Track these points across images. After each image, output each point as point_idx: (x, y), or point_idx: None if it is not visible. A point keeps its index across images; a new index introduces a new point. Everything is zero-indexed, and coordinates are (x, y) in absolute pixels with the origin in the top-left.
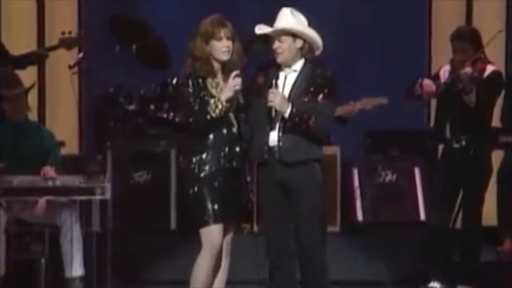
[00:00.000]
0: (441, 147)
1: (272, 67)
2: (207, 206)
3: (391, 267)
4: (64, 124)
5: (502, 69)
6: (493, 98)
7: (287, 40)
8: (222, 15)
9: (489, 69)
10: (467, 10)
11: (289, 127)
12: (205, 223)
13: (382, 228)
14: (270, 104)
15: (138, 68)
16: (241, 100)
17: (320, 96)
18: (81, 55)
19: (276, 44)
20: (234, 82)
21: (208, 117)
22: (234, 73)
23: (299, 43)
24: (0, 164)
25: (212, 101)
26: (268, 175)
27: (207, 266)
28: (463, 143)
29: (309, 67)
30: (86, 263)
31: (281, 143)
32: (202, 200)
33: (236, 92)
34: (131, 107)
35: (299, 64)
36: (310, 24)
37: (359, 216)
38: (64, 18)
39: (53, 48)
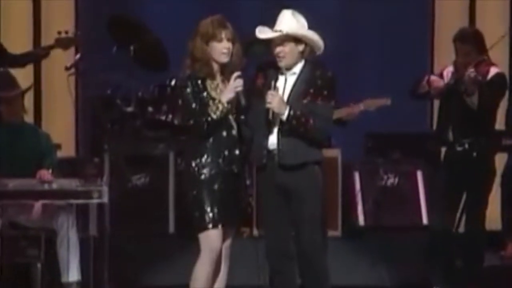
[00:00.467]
0: (443, 149)
1: (272, 68)
2: (206, 210)
3: (393, 272)
4: (60, 126)
5: (506, 70)
6: (496, 100)
7: (289, 44)
8: (223, 16)
9: (493, 71)
10: (470, 10)
11: (287, 129)
12: (204, 227)
13: (384, 232)
14: (268, 106)
15: (136, 69)
16: (243, 102)
17: (320, 98)
18: (78, 56)
19: (278, 49)
20: (236, 84)
21: (209, 119)
22: (236, 74)
23: (301, 46)
24: None
25: (212, 102)
26: (267, 178)
27: (206, 271)
28: (466, 146)
29: (309, 68)
30: (83, 268)
31: (280, 146)
32: (201, 203)
33: (237, 93)
34: (129, 109)
35: (299, 66)
36: (310, 25)
37: (361, 220)
38: (61, 18)
39: (49, 48)
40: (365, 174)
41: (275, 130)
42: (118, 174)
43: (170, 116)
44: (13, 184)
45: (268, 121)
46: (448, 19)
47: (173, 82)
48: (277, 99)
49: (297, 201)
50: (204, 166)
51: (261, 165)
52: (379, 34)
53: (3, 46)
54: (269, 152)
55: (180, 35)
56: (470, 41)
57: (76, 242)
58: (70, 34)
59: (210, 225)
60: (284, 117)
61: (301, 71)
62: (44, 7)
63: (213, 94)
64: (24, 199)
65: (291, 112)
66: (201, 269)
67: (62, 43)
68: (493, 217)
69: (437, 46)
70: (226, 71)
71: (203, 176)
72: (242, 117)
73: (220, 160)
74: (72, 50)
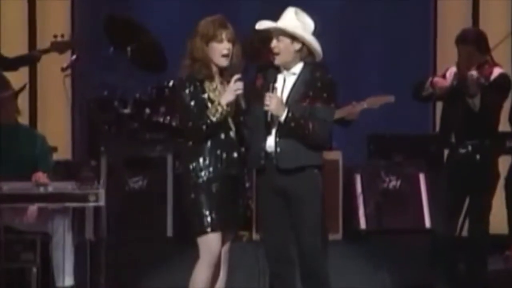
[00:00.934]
0: (446, 152)
1: (271, 69)
2: (205, 214)
3: (395, 277)
4: (56, 128)
5: (509, 71)
6: (499, 101)
7: (285, 40)
8: (223, 16)
9: (496, 72)
10: (473, 10)
11: (285, 132)
12: (203, 231)
13: (386, 236)
14: (266, 108)
15: (133, 71)
16: (243, 105)
17: (319, 101)
18: (74, 57)
19: (274, 43)
20: (236, 86)
21: (208, 121)
22: (236, 77)
23: (297, 45)
24: None
25: (211, 105)
26: (266, 181)
27: (205, 275)
28: (469, 148)
29: (308, 70)
30: (79, 272)
31: (278, 149)
32: (199, 207)
33: (237, 96)
34: (126, 110)
35: (298, 67)
36: (315, 25)
37: (362, 223)
38: (57, 19)
39: (45, 51)
40: (367, 176)
41: (274, 132)
42: (115, 177)
43: (168, 118)
44: (7, 187)
45: (267, 123)
46: (451, 19)
47: (171, 84)
48: (275, 101)
49: (297, 205)
50: (202, 169)
51: (260, 167)
52: (382, 35)
53: None
54: (267, 154)
55: (178, 35)
56: (473, 42)
57: (71, 246)
58: (66, 38)
59: (209, 229)
60: (282, 118)
61: (301, 72)
62: (40, 7)
63: (211, 96)
64: (19, 202)
65: (290, 114)
66: (200, 274)
67: (58, 46)
68: (496, 220)
69: (440, 47)
70: (225, 73)
71: (201, 179)
72: (241, 119)
73: (219, 163)
74: (68, 51)
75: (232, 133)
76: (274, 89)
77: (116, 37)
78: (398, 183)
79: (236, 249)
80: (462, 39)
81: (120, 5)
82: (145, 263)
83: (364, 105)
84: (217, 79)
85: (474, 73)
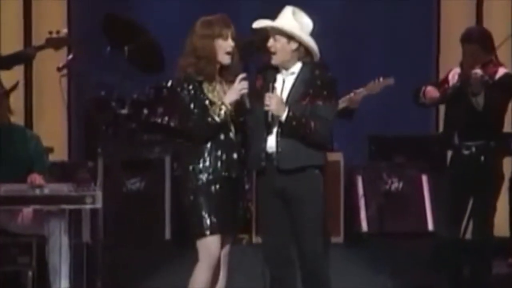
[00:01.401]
0: (450, 153)
1: (271, 70)
2: (204, 216)
3: (397, 280)
4: (52, 129)
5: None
6: (503, 101)
7: (281, 40)
8: (227, 15)
9: (501, 71)
10: (477, 10)
11: (286, 132)
12: (202, 234)
13: (388, 238)
14: (266, 108)
15: (131, 70)
16: (248, 105)
17: (320, 99)
18: (70, 56)
19: (271, 42)
20: (241, 86)
21: (211, 121)
22: (241, 76)
23: (293, 45)
24: None
25: (210, 105)
26: (266, 182)
27: (204, 279)
28: (473, 149)
29: (307, 69)
30: (76, 276)
31: (279, 149)
32: (198, 209)
33: (242, 96)
34: (124, 111)
35: (297, 67)
36: (315, 25)
37: (364, 226)
38: (53, 18)
39: (40, 48)
40: (368, 178)
41: (274, 133)
42: (112, 179)
43: (166, 118)
44: (3, 189)
45: (267, 123)
46: (455, 20)
47: (169, 84)
48: (275, 100)
49: (297, 206)
50: (202, 171)
51: (260, 169)
52: (384, 35)
53: None
54: (268, 155)
55: (176, 35)
56: (477, 41)
57: (67, 249)
58: (62, 34)
59: (208, 232)
60: (283, 118)
61: (300, 72)
62: (35, 6)
63: (210, 97)
64: (15, 205)
65: (290, 113)
66: (199, 277)
67: (53, 43)
68: (501, 223)
69: (443, 47)
70: (225, 72)
71: (200, 181)
72: (241, 119)
73: (218, 165)
74: (64, 50)
75: (232, 134)
76: (273, 88)
77: (113, 37)
78: (400, 185)
79: (235, 252)
80: (467, 38)
81: (118, 4)
82: (143, 266)
83: (364, 91)
84: (216, 78)
85: (478, 71)
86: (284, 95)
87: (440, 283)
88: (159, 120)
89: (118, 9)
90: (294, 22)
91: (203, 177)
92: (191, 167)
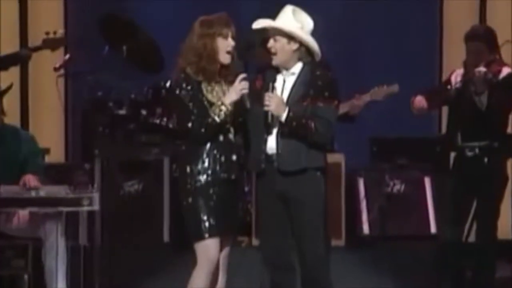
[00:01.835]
0: (453, 155)
1: (270, 70)
2: (202, 219)
3: (399, 284)
4: (49, 130)
5: None
6: (507, 101)
7: (281, 40)
8: (227, 14)
9: (505, 71)
10: (480, 10)
11: (286, 132)
12: (201, 237)
13: (390, 242)
14: (266, 108)
15: (129, 71)
16: (248, 105)
17: (321, 100)
18: (67, 56)
19: (271, 43)
20: (241, 86)
21: (211, 121)
22: (241, 76)
23: (294, 45)
24: None
25: (209, 106)
26: (266, 185)
27: (203, 282)
28: (477, 150)
29: (308, 69)
30: (73, 279)
31: (279, 151)
32: (197, 212)
33: (242, 96)
34: (121, 112)
35: (297, 67)
36: (315, 24)
37: (365, 229)
38: (49, 17)
39: (36, 49)
40: (370, 180)
41: (274, 134)
42: (109, 181)
43: (164, 119)
44: None
45: (267, 124)
46: (457, 20)
47: (168, 84)
48: (275, 100)
49: (298, 210)
50: (200, 173)
51: (260, 171)
52: (386, 35)
53: None
54: (268, 157)
55: (175, 34)
56: (482, 39)
57: (64, 252)
58: (59, 35)
59: (207, 235)
60: (283, 118)
61: (300, 72)
62: (32, 6)
63: (209, 97)
64: (10, 207)
65: (290, 114)
66: (198, 281)
67: (50, 44)
68: (505, 226)
69: (447, 47)
70: (224, 72)
71: (199, 183)
72: (241, 120)
73: (217, 166)
74: (61, 50)
75: (231, 135)
76: (273, 88)
77: (111, 36)
78: (403, 187)
79: (235, 254)
80: (472, 35)
81: (116, 3)
82: (141, 270)
83: (368, 97)
84: (215, 79)
85: (481, 69)
86: (285, 96)
87: (443, 287)
88: (157, 121)
89: (116, 9)
90: (294, 21)
91: (202, 178)
92: (189, 169)
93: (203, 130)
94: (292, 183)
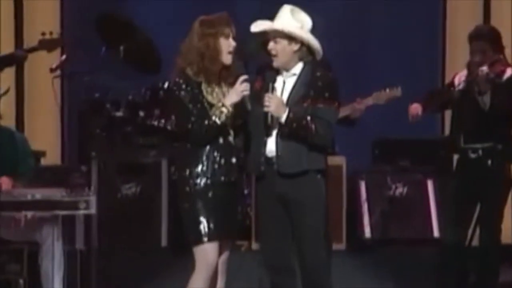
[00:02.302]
0: (456, 157)
1: (270, 70)
2: (201, 222)
3: None
4: (45, 132)
5: None
6: (511, 102)
7: (282, 42)
8: (227, 14)
9: (509, 72)
10: (484, 10)
11: (286, 134)
12: (199, 241)
13: (392, 246)
14: (265, 109)
15: (126, 71)
16: (249, 107)
17: (321, 101)
18: (63, 57)
19: (271, 45)
20: (242, 87)
21: (211, 123)
22: (242, 77)
23: (295, 46)
24: None
25: (209, 107)
26: (266, 187)
27: (201, 287)
28: (480, 152)
29: (308, 69)
30: (69, 284)
31: (279, 153)
32: (196, 215)
33: (243, 97)
34: (119, 113)
35: (298, 67)
36: (319, 27)
37: (367, 232)
38: (45, 17)
39: (32, 50)
40: (372, 183)
41: (274, 135)
42: (106, 183)
43: (162, 121)
44: None
45: (267, 125)
46: (461, 21)
47: (166, 85)
48: (275, 101)
49: (298, 213)
50: (199, 175)
51: (260, 174)
52: (389, 35)
53: None
54: (268, 159)
55: (173, 34)
56: (486, 38)
57: (60, 256)
58: (55, 35)
59: (206, 239)
60: (283, 119)
61: (301, 73)
62: (27, 6)
63: (209, 99)
64: (5, 210)
65: (291, 115)
66: (196, 285)
67: (46, 44)
68: (508, 229)
69: (449, 48)
70: (225, 73)
71: (197, 186)
72: (240, 121)
73: (216, 169)
74: (57, 51)
75: (230, 138)
76: (273, 89)
77: (108, 37)
78: (405, 189)
79: (234, 258)
80: (476, 35)
81: (113, 3)
82: (138, 274)
83: (370, 100)
84: (215, 80)
85: (484, 68)
86: (285, 97)
87: None
88: (155, 123)
89: (113, 8)
90: (294, 21)
91: (201, 181)
92: (188, 171)
93: (203, 132)
94: (292, 186)
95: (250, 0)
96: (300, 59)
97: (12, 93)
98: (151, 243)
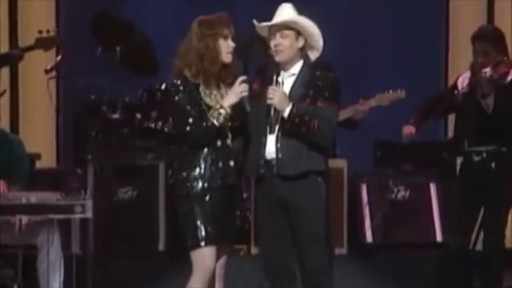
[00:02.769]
0: (459, 160)
1: (272, 67)
2: (198, 226)
3: None
4: (40, 134)
5: None
6: None
7: (290, 35)
8: (227, 14)
9: None
10: (488, 11)
11: (288, 129)
12: (197, 245)
13: (394, 250)
14: (269, 101)
15: (122, 73)
16: (248, 108)
17: (321, 100)
18: (59, 58)
19: (277, 40)
20: (241, 88)
21: (210, 125)
22: (241, 78)
23: (301, 41)
24: None
25: (207, 109)
26: (265, 190)
27: None
28: (484, 155)
29: (308, 69)
30: None
31: (279, 155)
32: (193, 219)
33: (242, 99)
34: (115, 116)
35: (297, 67)
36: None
37: (368, 236)
38: (40, 17)
39: (28, 49)
40: (374, 186)
41: (275, 133)
42: (103, 187)
43: (159, 123)
44: None
45: (269, 120)
46: (464, 22)
47: (163, 87)
48: (279, 93)
49: (299, 216)
50: (197, 178)
51: (259, 176)
52: (392, 36)
53: None
54: (267, 161)
55: (171, 35)
56: (490, 39)
57: (58, 261)
58: (52, 33)
59: (203, 243)
60: (286, 114)
61: (300, 72)
62: (22, 6)
63: (207, 101)
64: (0, 214)
65: (294, 109)
66: None
67: (43, 43)
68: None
69: (453, 49)
70: (224, 74)
71: (195, 189)
72: (238, 123)
73: (214, 172)
74: (52, 51)
75: (228, 140)
76: (277, 82)
77: (104, 37)
78: (407, 193)
79: (232, 263)
80: (479, 35)
81: (109, 3)
82: (135, 279)
83: (373, 102)
84: (214, 82)
85: (487, 70)
86: None
87: None
88: (152, 125)
89: (109, 8)
90: (299, 16)
91: (198, 185)
92: (185, 174)
93: (201, 134)
94: (292, 189)
95: (250, 0)
96: (301, 57)
97: (7, 94)
98: (148, 247)
